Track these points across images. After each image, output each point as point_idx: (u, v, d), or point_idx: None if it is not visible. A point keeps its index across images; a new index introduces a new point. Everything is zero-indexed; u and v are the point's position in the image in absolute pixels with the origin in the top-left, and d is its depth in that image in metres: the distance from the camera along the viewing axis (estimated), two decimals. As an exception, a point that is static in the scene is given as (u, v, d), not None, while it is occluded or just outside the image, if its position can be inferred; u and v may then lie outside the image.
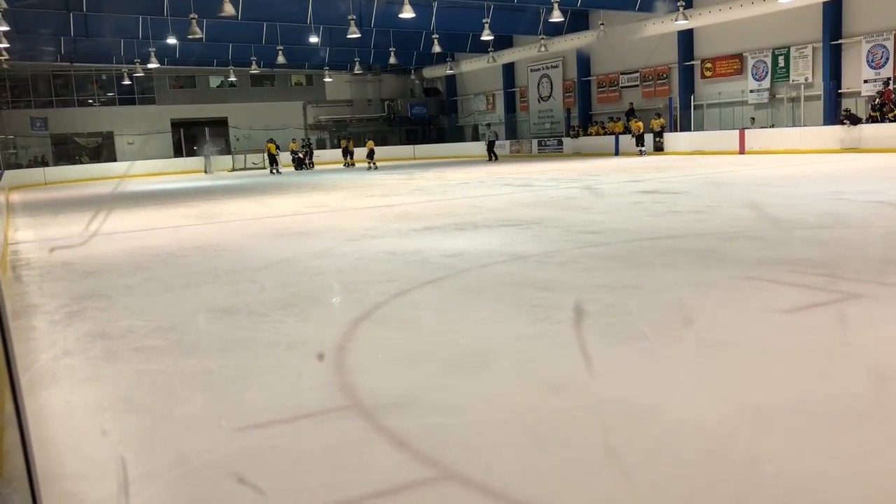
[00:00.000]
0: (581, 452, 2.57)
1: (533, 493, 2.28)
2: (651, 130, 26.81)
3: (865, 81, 22.07)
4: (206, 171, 32.87)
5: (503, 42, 33.63)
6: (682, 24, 24.85)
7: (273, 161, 30.97)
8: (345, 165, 32.72)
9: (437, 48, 29.11)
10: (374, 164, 30.63)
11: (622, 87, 30.78)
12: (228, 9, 21.26)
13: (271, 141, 32.49)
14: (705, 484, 2.31)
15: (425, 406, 3.09)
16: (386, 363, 3.75)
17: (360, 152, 32.71)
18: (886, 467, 2.36)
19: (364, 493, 2.34)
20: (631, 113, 29.29)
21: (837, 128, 21.35)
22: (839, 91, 22.81)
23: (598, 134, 30.41)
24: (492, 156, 31.16)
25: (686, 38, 27.19)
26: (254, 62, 34.15)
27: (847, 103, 22.13)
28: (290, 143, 33.81)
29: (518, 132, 36.73)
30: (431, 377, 3.45)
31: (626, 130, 28.36)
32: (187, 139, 37.11)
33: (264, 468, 2.55)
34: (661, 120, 27.53)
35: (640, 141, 26.48)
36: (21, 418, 1.33)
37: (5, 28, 22.12)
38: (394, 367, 3.67)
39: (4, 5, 19.97)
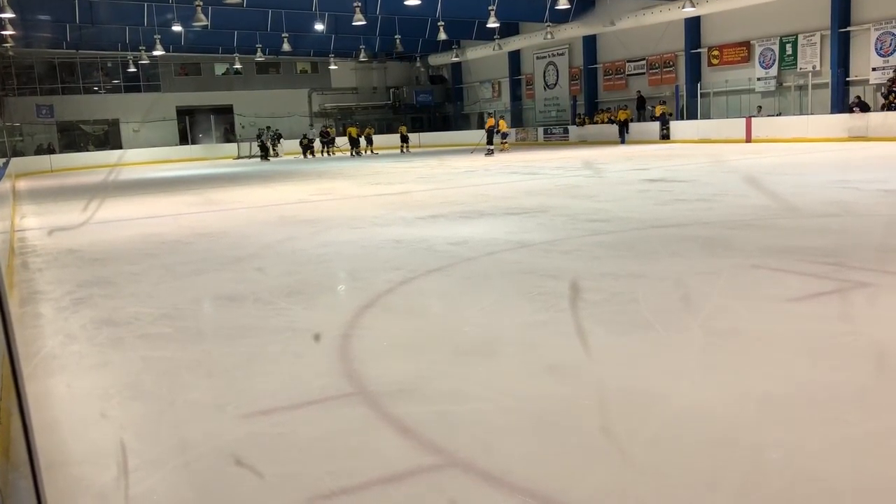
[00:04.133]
0: (586, 440, 2.57)
1: (538, 481, 2.28)
2: (492, 129, 25.93)
3: (874, 69, 21.87)
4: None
5: (509, 29, 33.44)
6: (690, 11, 24.67)
7: (356, 143, 32.48)
8: (341, 154, 32.96)
9: (442, 35, 28.91)
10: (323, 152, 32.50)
11: (629, 75, 30.58)
12: (234, -4, 21.20)
13: (354, 125, 34.63)
14: (711, 471, 2.31)
15: (430, 393, 3.09)
16: (391, 350, 3.75)
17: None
18: (892, 455, 2.35)
19: (369, 479, 2.35)
20: (641, 102, 29.14)
21: (845, 116, 21.19)
22: (847, 79, 22.61)
23: (604, 122, 30.27)
24: (266, 157, 32.53)
25: (693, 25, 26.98)
26: (259, 49, 33.98)
27: (855, 91, 21.95)
28: (351, 129, 34.60)
29: (524, 120, 36.60)
30: (436, 364, 3.46)
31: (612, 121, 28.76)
32: (192, 126, 37.13)
33: (270, 455, 2.56)
34: (503, 121, 28.46)
35: (490, 138, 25.62)
36: (23, 405, 1.33)
37: (11, 15, 22.10)
38: (399, 354, 3.67)
39: (10, -8, 19.94)
